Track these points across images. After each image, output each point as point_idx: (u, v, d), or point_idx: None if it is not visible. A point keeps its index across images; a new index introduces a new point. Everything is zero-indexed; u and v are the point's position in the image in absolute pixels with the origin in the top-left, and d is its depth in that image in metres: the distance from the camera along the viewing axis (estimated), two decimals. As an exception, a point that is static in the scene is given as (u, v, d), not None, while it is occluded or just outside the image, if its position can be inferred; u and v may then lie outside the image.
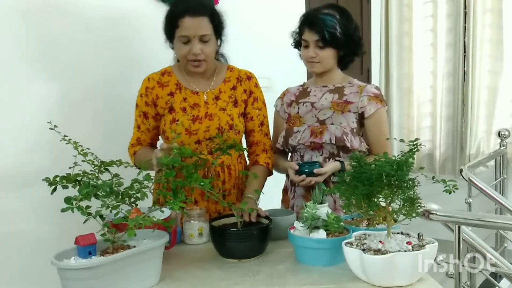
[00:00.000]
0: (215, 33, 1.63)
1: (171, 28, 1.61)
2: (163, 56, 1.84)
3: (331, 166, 1.67)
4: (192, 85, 1.69)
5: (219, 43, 1.70)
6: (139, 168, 1.33)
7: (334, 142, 1.69)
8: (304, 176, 1.65)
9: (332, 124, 1.73)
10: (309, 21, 1.74)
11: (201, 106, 1.66)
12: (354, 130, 1.73)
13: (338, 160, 1.70)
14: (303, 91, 1.86)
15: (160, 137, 1.76)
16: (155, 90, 1.67)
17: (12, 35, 1.65)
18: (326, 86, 1.82)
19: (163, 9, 2.17)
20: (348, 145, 1.69)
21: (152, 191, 1.33)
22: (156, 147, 1.72)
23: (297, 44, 1.83)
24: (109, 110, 1.99)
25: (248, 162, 1.81)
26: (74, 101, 1.85)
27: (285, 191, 1.89)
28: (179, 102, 1.66)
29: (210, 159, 1.57)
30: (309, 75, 1.94)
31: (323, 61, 1.75)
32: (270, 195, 1.79)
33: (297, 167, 1.67)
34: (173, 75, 1.70)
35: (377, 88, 1.80)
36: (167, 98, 1.66)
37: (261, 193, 1.64)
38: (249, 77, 1.76)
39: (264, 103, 1.80)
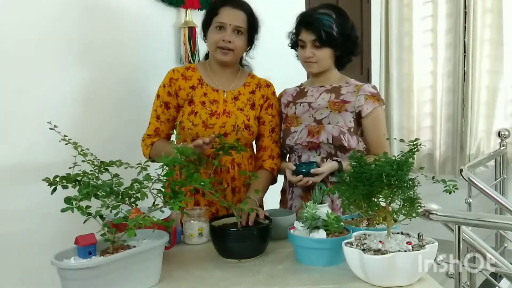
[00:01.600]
0: (248, 33, 1.71)
1: (210, 15, 1.70)
2: (165, 58, 1.85)
3: (328, 166, 1.66)
4: (214, 82, 1.74)
5: (248, 48, 1.77)
6: (153, 161, 1.38)
7: (331, 142, 1.69)
8: (301, 176, 1.65)
9: (329, 123, 1.73)
10: (305, 21, 1.74)
11: (220, 103, 1.71)
12: (352, 130, 1.73)
13: (336, 160, 1.70)
14: (300, 92, 1.85)
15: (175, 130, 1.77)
16: (178, 81, 1.72)
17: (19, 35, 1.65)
18: (323, 86, 1.81)
19: (164, 11, 2.19)
20: (346, 144, 1.69)
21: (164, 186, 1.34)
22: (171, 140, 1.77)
23: (294, 45, 1.83)
24: (112, 111, 1.99)
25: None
26: (75, 102, 1.85)
27: (283, 192, 1.89)
28: (199, 96, 1.71)
29: (221, 154, 1.58)
30: (308, 76, 1.94)
31: (320, 61, 1.75)
32: (269, 196, 1.79)
33: (294, 168, 1.67)
34: (197, 71, 1.76)
35: (374, 87, 1.79)
36: (189, 91, 1.72)
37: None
38: (268, 85, 1.83)
39: (278, 112, 1.83)
